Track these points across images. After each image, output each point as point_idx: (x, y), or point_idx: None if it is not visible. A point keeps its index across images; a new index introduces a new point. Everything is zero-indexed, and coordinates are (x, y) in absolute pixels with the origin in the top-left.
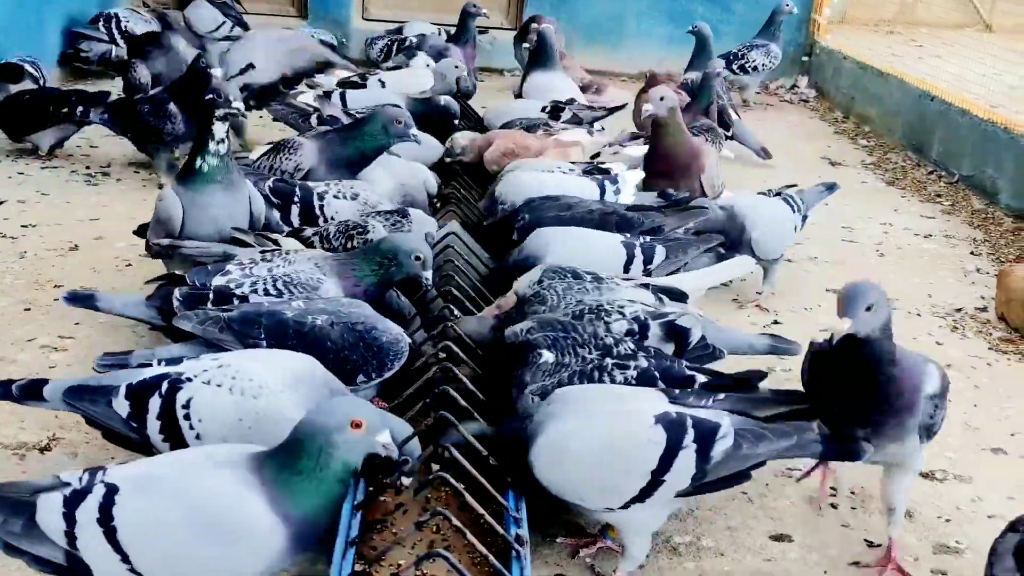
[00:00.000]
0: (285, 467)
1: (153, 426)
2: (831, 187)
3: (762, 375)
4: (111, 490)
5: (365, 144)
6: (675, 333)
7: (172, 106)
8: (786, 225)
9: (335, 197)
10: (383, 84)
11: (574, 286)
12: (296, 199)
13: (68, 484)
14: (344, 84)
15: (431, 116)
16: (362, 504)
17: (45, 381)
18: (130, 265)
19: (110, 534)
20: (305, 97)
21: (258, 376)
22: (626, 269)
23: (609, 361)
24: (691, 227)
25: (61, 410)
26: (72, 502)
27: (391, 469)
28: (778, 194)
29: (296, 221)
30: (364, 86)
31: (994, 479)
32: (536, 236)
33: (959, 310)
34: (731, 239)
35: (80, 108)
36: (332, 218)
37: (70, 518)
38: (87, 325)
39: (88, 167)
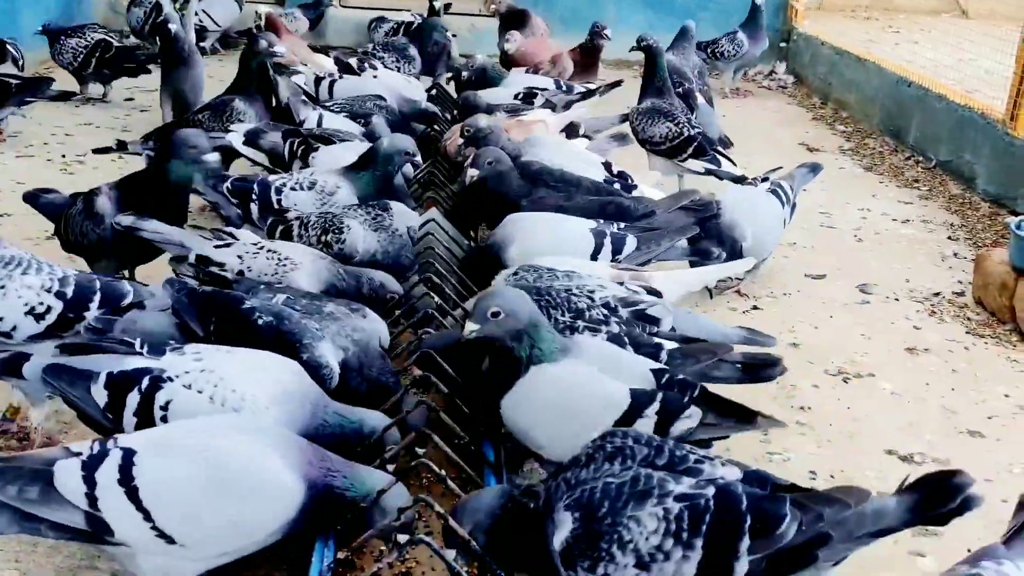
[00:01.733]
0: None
1: (129, 422)
2: (815, 168)
3: (728, 348)
4: (129, 453)
5: (379, 184)
6: (644, 320)
7: None
8: (777, 223)
9: (292, 189)
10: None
11: (545, 275)
12: (254, 196)
13: (79, 453)
14: (340, 65)
15: (416, 119)
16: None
17: (27, 356)
18: None
19: (132, 493)
20: (298, 78)
21: (242, 388)
22: (593, 257)
23: (581, 323)
24: (680, 225)
25: (37, 388)
26: (91, 465)
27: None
28: (765, 180)
29: (255, 215)
30: (358, 74)
31: (971, 462)
32: (507, 222)
33: (937, 294)
34: (723, 245)
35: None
36: (294, 207)
37: (90, 480)
38: None
39: (64, 156)
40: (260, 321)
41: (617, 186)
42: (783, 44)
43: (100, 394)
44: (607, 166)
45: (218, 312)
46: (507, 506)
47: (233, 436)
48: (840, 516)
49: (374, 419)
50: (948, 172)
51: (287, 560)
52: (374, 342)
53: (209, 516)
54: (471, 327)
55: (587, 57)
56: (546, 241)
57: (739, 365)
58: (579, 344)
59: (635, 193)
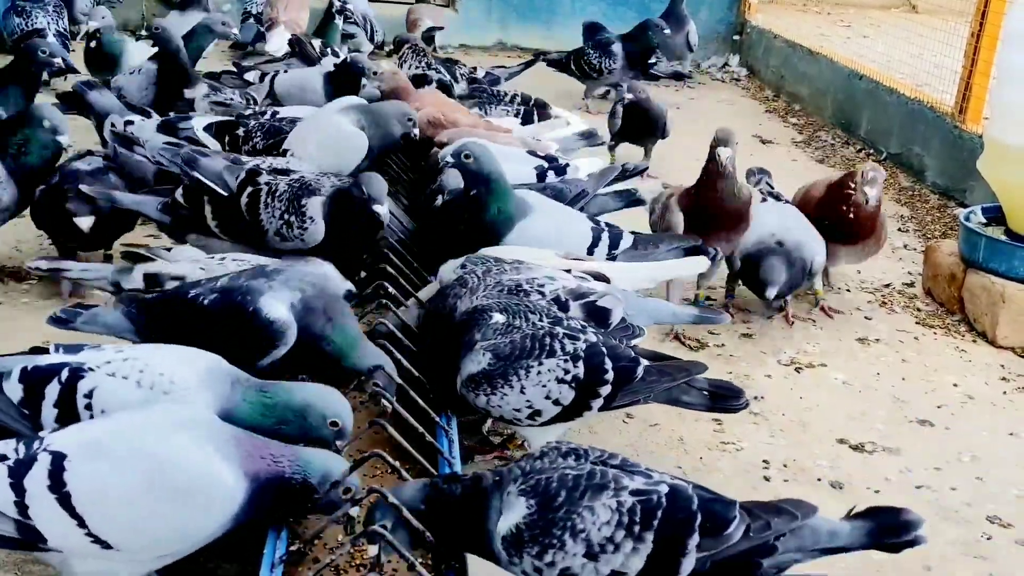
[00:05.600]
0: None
1: (49, 413)
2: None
3: (701, 368)
4: (58, 457)
5: None
6: (596, 313)
7: None
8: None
9: None
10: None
11: (493, 268)
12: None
13: (3, 456)
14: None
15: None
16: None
17: None
18: None
19: (64, 500)
20: (251, 75)
21: (169, 371)
22: (590, 251)
23: (560, 330)
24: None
25: None
26: (18, 472)
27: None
28: (775, 197)
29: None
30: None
31: (921, 450)
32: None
33: (887, 285)
34: (792, 267)
35: None
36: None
37: (18, 488)
38: (8, 306)
39: None
40: (206, 301)
41: (550, 171)
42: (736, 37)
43: (14, 390)
44: (533, 154)
45: (169, 313)
46: (429, 496)
47: (168, 435)
48: (790, 527)
49: (305, 392)
50: (898, 165)
51: (238, 553)
52: (331, 285)
53: (146, 521)
54: (448, 160)
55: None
56: (546, 233)
57: (706, 393)
58: (533, 203)
59: (568, 173)
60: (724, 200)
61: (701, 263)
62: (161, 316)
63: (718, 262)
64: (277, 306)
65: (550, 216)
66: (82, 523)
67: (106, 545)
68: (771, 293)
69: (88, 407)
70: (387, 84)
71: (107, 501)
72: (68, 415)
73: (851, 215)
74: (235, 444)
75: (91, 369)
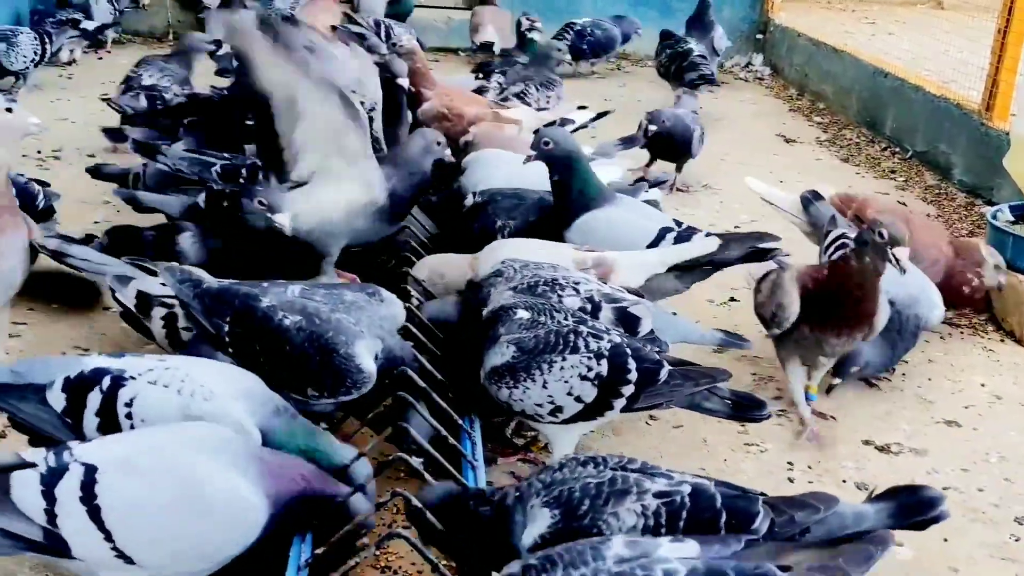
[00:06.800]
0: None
1: (90, 422)
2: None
3: (727, 375)
4: (90, 469)
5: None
6: (626, 319)
7: None
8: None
9: None
10: None
11: (531, 264)
12: None
13: (33, 464)
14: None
15: None
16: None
17: None
18: None
19: (94, 512)
20: None
21: (208, 382)
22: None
23: (584, 328)
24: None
25: None
26: (50, 480)
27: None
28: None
29: None
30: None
31: (948, 451)
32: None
33: None
34: (905, 328)
35: None
36: None
37: (50, 496)
38: (40, 311)
39: (39, 151)
40: (286, 322)
41: None
42: (759, 36)
43: (58, 399)
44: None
45: (233, 312)
46: (455, 503)
47: (195, 454)
48: (814, 519)
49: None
50: (924, 163)
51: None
52: (395, 328)
53: (172, 541)
54: (529, 152)
55: None
56: (612, 230)
57: (729, 401)
58: (615, 195)
59: None
60: (866, 300)
61: (710, 243)
62: (229, 315)
63: (827, 364)
64: (367, 357)
65: (623, 208)
66: (109, 537)
67: (129, 561)
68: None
69: (129, 416)
70: (405, 63)
71: (135, 518)
72: (109, 424)
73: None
74: (260, 462)
75: (132, 377)
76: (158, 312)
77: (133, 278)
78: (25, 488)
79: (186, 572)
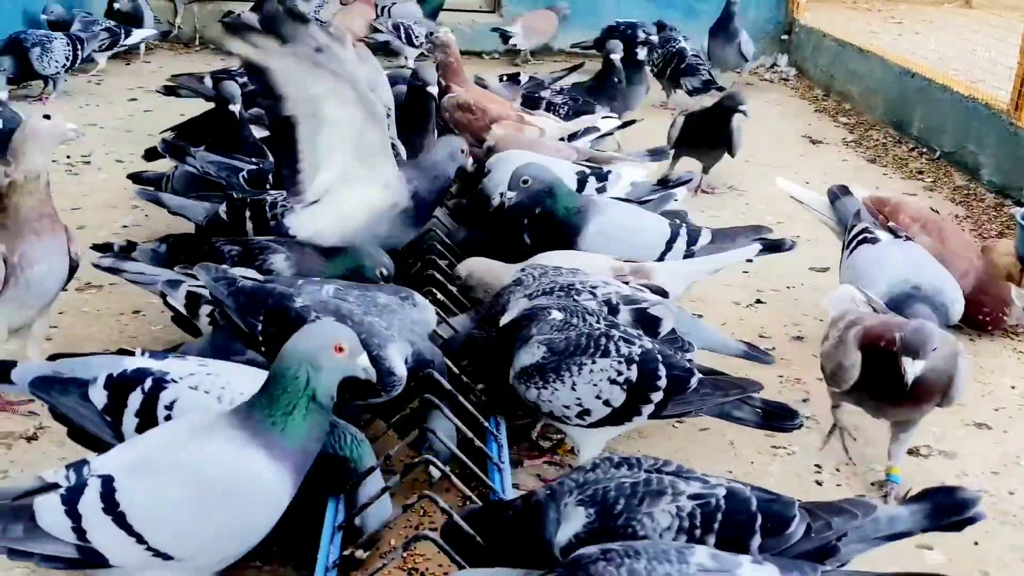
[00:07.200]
0: (271, 407)
1: (130, 422)
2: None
3: (758, 386)
4: (107, 480)
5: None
6: (645, 320)
7: None
8: None
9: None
10: None
11: (551, 272)
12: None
13: (55, 484)
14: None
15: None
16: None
17: (13, 363)
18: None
19: (120, 519)
20: None
21: (248, 391)
22: (668, 248)
23: (616, 332)
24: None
25: (28, 394)
26: (71, 499)
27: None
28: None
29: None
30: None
31: (978, 454)
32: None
33: None
34: (937, 311)
35: None
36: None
37: (74, 514)
38: (71, 315)
39: (68, 156)
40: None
41: (591, 177)
42: (784, 36)
43: (99, 396)
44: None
45: (266, 311)
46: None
47: (203, 441)
48: (852, 525)
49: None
50: (953, 163)
51: (293, 556)
52: (426, 333)
53: (202, 530)
54: (509, 193)
55: None
56: (624, 228)
57: (759, 410)
58: (600, 203)
59: (610, 181)
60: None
61: (749, 251)
62: (262, 314)
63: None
64: (398, 360)
65: (624, 213)
66: (140, 539)
67: (167, 557)
68: (914, 372)
69: (168, 419)
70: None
71: (160, 515)
72: (148, 425)
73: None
74: (270, 432)
75: (174, 380)
76: (205, 309)
77: (183, 282)
78: (49, 512)
79: (224, 556)
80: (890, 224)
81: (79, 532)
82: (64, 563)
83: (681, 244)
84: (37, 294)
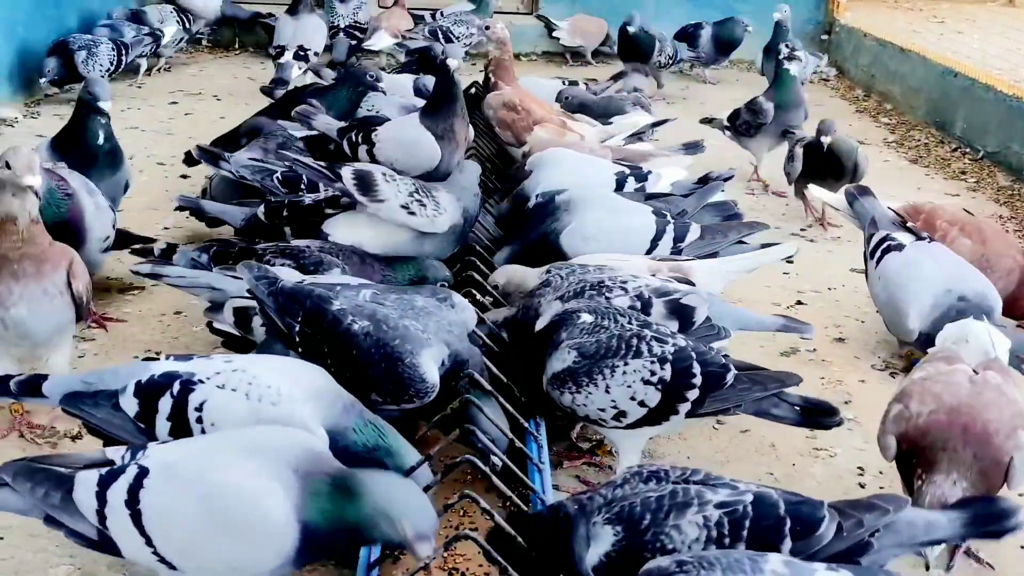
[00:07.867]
0: (330, 496)
1: (162, 427)
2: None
3: (797, 379)
4: (142, 472)
5: None
6: (679, 311)
7: None
8: None
9: None
10: None
11: (577, 270)
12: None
13: (111, 461)
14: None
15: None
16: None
17: (44, 377)
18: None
19: (135, 517)
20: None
21: (276, 384)
22: (654, 243)
23: (648, 332)
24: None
25: (60, 408)
26: (106, 481)
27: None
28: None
29: None
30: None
31: None
32: (562, 205)
33: None
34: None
35: None
36: None
37: (102, 498)
38: (113, 317)
39: None
40: (354, 327)
41: (631, 178)
42: (824, 36)
43: (130, 404)
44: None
45: (304, 312)
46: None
47: (232, 462)
48: (883, 521)
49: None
50: (996, 163)
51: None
52: (465, 333)
53: (205, 552)
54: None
55: None
56: (608, 226)
57: (798, 408)
58: (577, 199)
59: (650, 181)
60: None
61: (786, 249)
62: (300, 314)
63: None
64: (431, 367)
65: (605, 210)
66: (150, 542)
67: (171, 566)
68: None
69: (199, 420)
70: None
71: (169, 525)
72: (180, 428)
73: None
74: (303, 478)
75: (201, 381)
76: (257, 321)
77: (220, 290)
78: (84, 489)
79: None
80: (908, 224)
81: (101, 517)
82: (86, 542)
83: (667, 241)
84: (21, 335)
